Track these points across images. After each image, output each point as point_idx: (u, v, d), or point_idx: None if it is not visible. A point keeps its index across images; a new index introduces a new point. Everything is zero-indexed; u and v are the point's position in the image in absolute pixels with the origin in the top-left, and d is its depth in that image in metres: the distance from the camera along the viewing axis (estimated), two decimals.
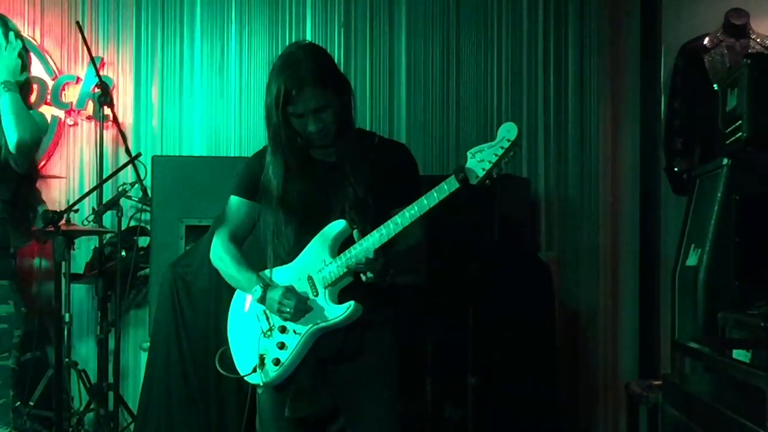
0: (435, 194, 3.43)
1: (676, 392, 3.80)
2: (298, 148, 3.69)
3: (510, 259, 5.84)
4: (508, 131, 3.38)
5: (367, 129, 6.26)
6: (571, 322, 6.61)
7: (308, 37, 6.85)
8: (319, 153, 3.73)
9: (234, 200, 3.87)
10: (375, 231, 3.52)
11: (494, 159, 3.36)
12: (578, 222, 6.72)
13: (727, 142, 4.84)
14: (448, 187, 3.41)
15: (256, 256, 3.86)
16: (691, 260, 4.81)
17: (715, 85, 6.12)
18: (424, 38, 6.91)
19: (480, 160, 3.37)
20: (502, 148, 3.36)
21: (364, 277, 3.55)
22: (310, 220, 3.67)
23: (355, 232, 3.56)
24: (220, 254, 3.85)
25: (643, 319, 6.57)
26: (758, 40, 6.33)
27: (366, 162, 3.69)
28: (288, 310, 3.61)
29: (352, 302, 3.59)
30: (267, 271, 3.76)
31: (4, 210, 4.18)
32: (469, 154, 3.40)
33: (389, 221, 3.50)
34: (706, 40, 6.38)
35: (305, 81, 3.53)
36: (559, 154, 6.75)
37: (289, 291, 3.63)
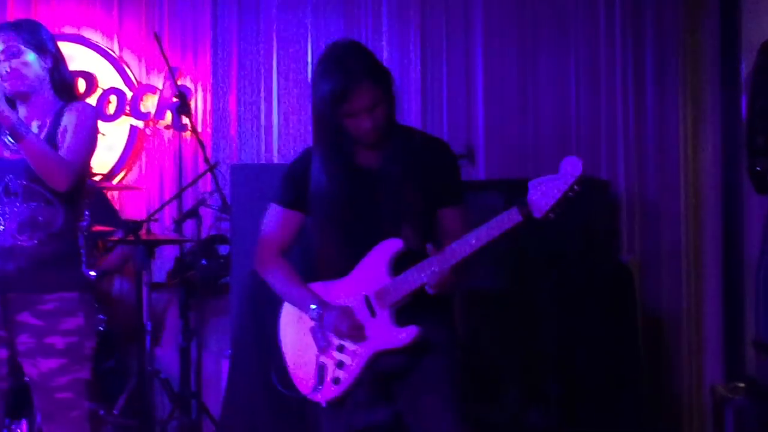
0: (495, 227, 3.36)
1: (761, 392, 3.74)
2: (346, 155, 3.61)
3: (592, 264, 5.78)
4: (573, 166, 3.29)
5: (446, 136, 6.32)
6: (654, 326, 6.48)
7: (384, 40, 6.88)
8: (363, 158, 3.65)
9: (277, 210, 3.77)
10: (434, 258, 3.42)
11: (558, 195, 3.27)
12: (659, 224, 6.59)
13: None
14: (510, 220, 3.34)
15: (297, 264, 3.82)
16: None
17: None
18: (500, 40, 6.83)
19: (543, 194, 3.29)
20: (566, 183, 3.27)
21: (432, 291, 3.45)
22: (362, 231, 3.59)
23: (429, 247, 3.44)
24: (269, 268, 3.79)
25: (728, 322, 6.45)
26: None
27: (411, 165, 3.59)
28: (344, 332, 3.55)
29: (414, 327, 3.50)
30: (317, 285, 3.69)
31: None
32: (530, 186, 3.32)
33: (447, 249, 3.41)
34: None
35: (358, 78, 3.46)
36: (639, 155, 6.62)
37: (345, 313, 3.57)
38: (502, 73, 6.84)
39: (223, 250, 6.54)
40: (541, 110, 6.79)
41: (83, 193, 4.08)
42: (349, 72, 3.46)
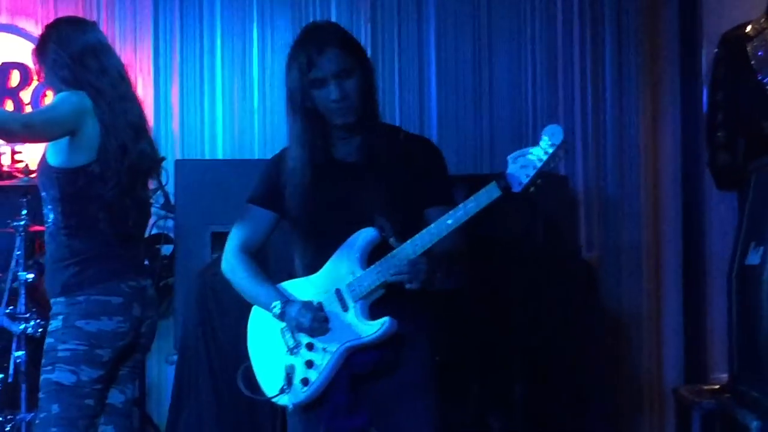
0: (474, 203, 3.19)
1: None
2: (321, 145, 3.46)
3: (554, 261, 5.66)
4: (552, 135, 3.14)
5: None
6: (613, 324, 6.39)
7: None
8: (340, 151, 3.50)
9: (248, 207, 3.63)
10: (408, 242, 3.26)
11: (539, 165, 3.13)
12: (619, 220, 6.51)
13: None
14: (488, 195, 3.17)
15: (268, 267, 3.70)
16: (752, 259, 4.58)
17: (759, 75, 5.91)
18: (454, 32, 6.68)
19: (523, 166, 3.14)
20: (546, 153, 3.13)
21: (409, 285, 3.26)
22: (335, 227, 3.43)
23: (392, 240, 3.29)
24: (233, 266, 3.61)
25: (689, 321, 6.36)
26: None
27: (393, 160, 3.45)
28: (306, 326, 3.38)
29: (386, 319, 3.33)
30: (286, 284, 3.53)
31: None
32: (510, 159, 3.17)
33: (424, 231, 3.25)
34: (748, 28, 6.11)
35: (327, 42, 3.38)
36: (598, 150, 6.53)
37: (307, 306, 3.39)
38: (456, 66, 6.70)
39: (166, 249, 6.31)
40: (496, 103, 6.67)
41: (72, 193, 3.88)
42: (318, 39, 3.42)
